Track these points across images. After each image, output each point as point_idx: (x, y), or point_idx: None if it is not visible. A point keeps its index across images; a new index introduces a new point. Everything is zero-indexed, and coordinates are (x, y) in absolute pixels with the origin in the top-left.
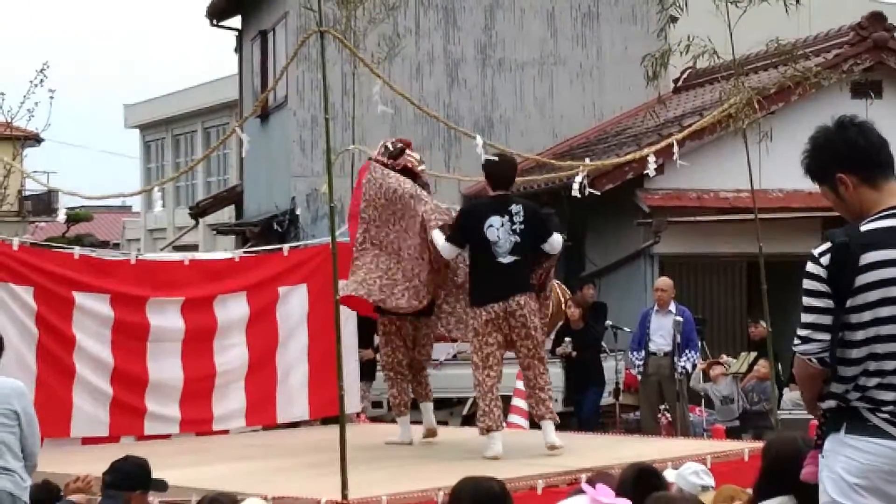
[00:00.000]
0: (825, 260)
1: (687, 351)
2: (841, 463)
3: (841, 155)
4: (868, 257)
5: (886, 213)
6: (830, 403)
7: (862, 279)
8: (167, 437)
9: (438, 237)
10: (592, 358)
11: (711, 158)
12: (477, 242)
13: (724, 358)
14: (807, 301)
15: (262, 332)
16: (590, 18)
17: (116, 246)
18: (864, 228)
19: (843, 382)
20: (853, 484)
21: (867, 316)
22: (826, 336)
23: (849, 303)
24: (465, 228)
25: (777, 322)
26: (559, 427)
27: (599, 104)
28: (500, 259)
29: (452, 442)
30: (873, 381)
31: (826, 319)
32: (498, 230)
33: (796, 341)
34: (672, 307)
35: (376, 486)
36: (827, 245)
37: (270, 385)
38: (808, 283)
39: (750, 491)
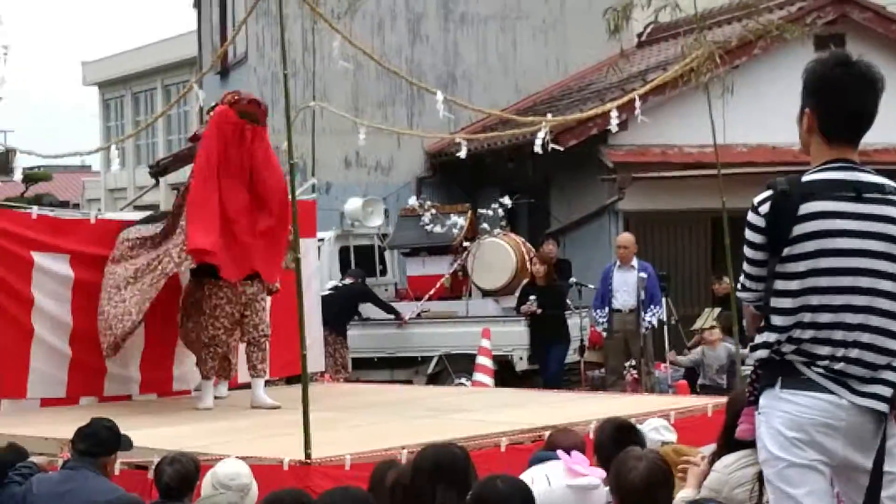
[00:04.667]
0: (764, 209)
1: (651, 307)
2: (778, 418)
3: (821, 93)
4: (807, 207)
5: (830, 165)
6: (762, 354)
7: (799, 229)
8: (127, 398)
9: None
10: (557, 315)
11: (675, 114)
12: None
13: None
14: (745, 250)
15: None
16: None
17: (76, 206)
18: (805, 178)
19: (776, 332)
20: (792, 438)
21: (803, 266)
22: (761, 286)
23: (785, 252)
24: None
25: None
26: (525, 384)
27: (563, 59)
28: None
29: (416, 400)
30: (808, 334)
31: (760, 271)
32: None
33: (738, 286)
34: (634, 263)
35: (340, 445)
36: (767, 193)
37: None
38: (747, 232)
39: (702, 449)
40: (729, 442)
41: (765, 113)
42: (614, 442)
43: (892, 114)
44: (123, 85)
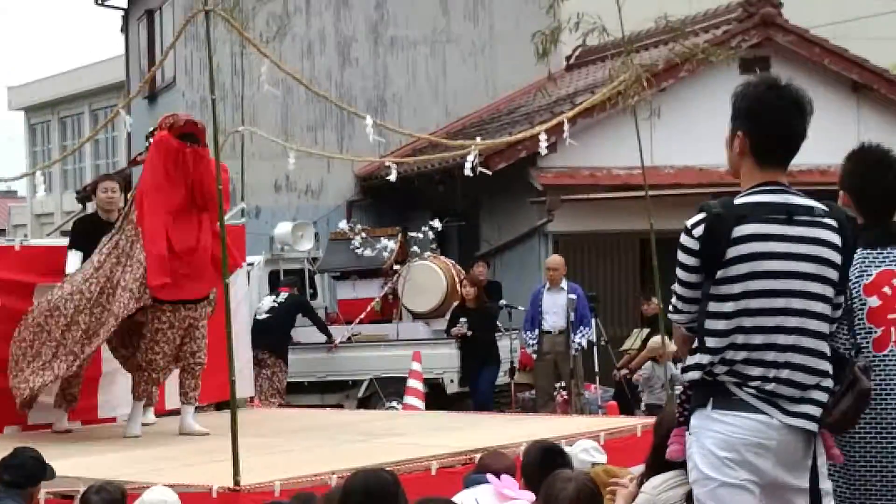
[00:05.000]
0: (697, 231)
1: (581, 328)
2: (710, 438)
3: (752, 117)
4: (741, 230)
5: (762, 188)
6: (694, 375)
7: (733, 251)
8: (51, 426)
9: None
10: (487, 337)
11: (604, 136)
12: None
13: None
14: (678, 272)
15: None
16: None
17: (2, 232)
18: (738, 201)
19: (709, 353)
20: (723, 458)
21: (737, 288)
22: (693, 308)
23: (719, 274)
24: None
25: (669, 298)
26: (456, 406)
27: (492, 82)
28: None
29: (347, 424)
30: (741, 355)
31: (693, 293)
32: None
33: (669, 308)
34: (564, 285)
35: (269, 471)
36: (701, 216)
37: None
38: (679, 255)
39: (632, 469)
40: (657, 463)
41: (692, 135)
42: (541, 464)
43: (815, 135)
44: (50, 109)
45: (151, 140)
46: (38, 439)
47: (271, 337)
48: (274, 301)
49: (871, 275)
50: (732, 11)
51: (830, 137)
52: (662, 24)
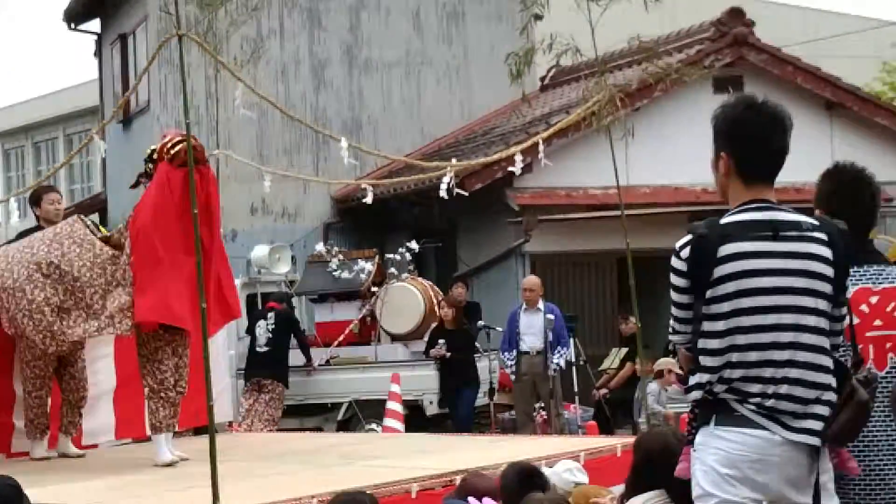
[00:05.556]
0: (685, 253)
1: (559, 348)
2: (712, 455)
3: (734, 137)
4: (725, 249)
5: (746, 206)
6: (696, 395)
7: (719, 271)
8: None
9: None
10: (466, 359)
11: (579, 156)
12: None
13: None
14: (671, 294)
15: (130, 343)
16: (455, 17)
17: None
18: (723, 221)
19: (707, 372)
20: (724, 474)
21: (727, 307)
22: (689, 328)
23: (708, 294)
24: None
25: (646, 317)
26: (436, 428)
27: (467, 103)
28: None
29: (326, 448)
30: (738, 373)
31: (687, 313)
32: None
33: (669, 329)
34: (541, 305)
35: (249, 496)
36: (687, 238)
37: (139, 397)
38: (671, 277)
39: (613, 489)
40: (637, 483)
41: (667, 154)
42: (519, 485)
43: (789, 154)
44: (24, 134)
45: (152, 165)
46: (18, 467)
47: (272, 366)
48: (268, 329)
49: (848, 293)
50: (705, 31)
51: (804, 155)
52: (635, 44)
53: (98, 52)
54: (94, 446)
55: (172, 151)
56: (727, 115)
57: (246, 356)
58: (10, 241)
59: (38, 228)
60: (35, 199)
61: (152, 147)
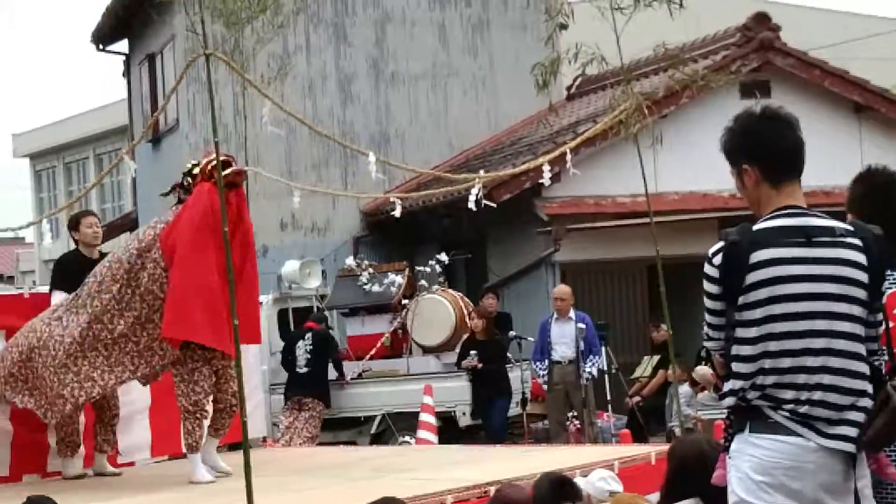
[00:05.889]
0: (717, 260)
1: (591, 357)
2: (747, 462)
3: (750, 146)
4: (757, 255)
5: (778, 212)
6: (730, 401)
7: (752, 277)
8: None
9: None
10: (498, 369)
11: (607, 164)
12: None
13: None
14: (705, 300)
15: None
16: (480, 28)
17: (11, 279)
18: (756, 227)
19: (740, 379)
20: (759, 482)
21: (759, 313)
22: (722, 335)
23: (741, 300)
24: None
25: (678, 324)
26: (469, 439)
27: (494, 114)
28: None
29: (360, 461)
30: (771, 379)
31: (720, 320)
32: None
33: (703, 336)
34: (572, 314)
35: None
36: (720, 245)
37: (175, 414)
38: (704, 283)
39: (650, 497)
40: (671, 491)
41: (694, 160)
42: (552, 496)
43: (818, 157)
44: (55, 155)
45: (191, 180)
46: (55, 486)
47: (312, 386)
48: (307, 350)
49: (883, 298)
50: (731, 36)
51: (834, 159)
52: (661, 51)
53: (126, 73)
54: (131, 464)
55: (212, 169)
56: (736, 129)
57: (287, 377)
58: (55, 274)
59: (75, 252)
60: (74, 224)
61: (193, 162)
